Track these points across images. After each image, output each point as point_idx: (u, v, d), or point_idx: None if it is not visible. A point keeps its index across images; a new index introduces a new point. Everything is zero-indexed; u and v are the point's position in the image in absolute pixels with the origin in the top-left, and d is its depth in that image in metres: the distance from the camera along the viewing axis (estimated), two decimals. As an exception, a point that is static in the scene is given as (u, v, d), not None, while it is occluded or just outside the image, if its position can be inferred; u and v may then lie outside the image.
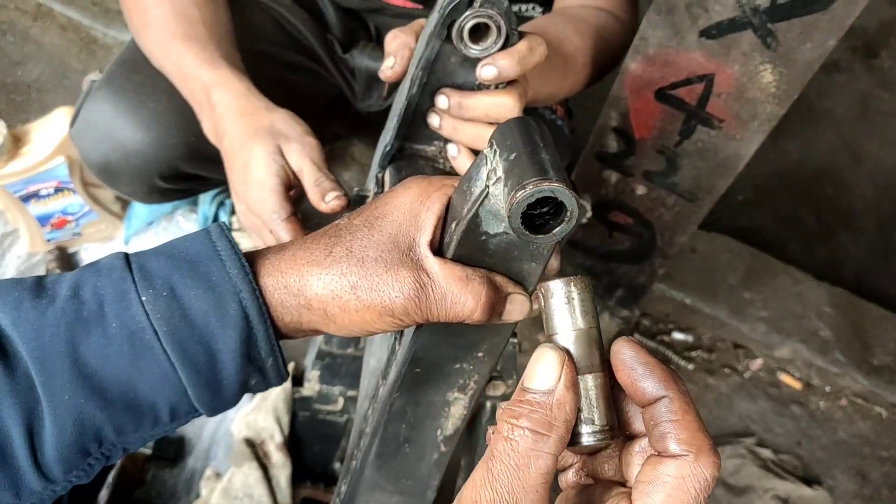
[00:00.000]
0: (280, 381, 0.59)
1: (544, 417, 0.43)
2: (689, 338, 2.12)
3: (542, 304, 0.49)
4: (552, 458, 0.43)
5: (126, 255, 0.54)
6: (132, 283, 0.52)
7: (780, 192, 2.61)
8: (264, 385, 0.58)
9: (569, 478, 0.52)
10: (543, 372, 0.45)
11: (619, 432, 0.47)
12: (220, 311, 0.52)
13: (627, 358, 0.45)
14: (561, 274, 0.54)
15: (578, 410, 0.46)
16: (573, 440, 0.46)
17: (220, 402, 0.55)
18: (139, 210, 1.83)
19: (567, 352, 0.46)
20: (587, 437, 0.46)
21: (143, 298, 0.51)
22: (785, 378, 2.08)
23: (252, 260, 0.56)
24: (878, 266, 2.45)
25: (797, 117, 2.61)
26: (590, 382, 0.46)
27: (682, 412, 0.43)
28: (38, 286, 0.52)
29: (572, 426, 0.44)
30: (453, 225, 0.55)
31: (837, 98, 2.84)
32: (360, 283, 0.54)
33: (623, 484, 0.48)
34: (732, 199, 2.46)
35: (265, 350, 0.55)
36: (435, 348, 0.64)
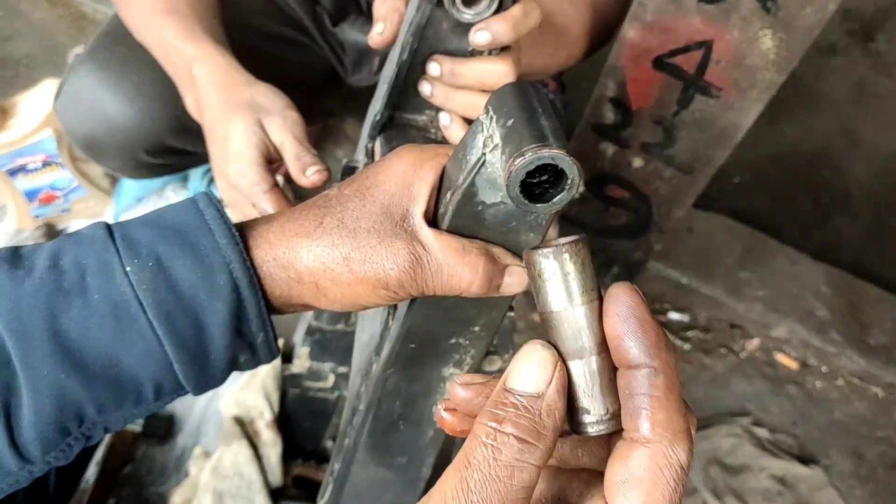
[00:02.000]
0: (270, 359, 0.57)
1: (532, 424, 0.37)
2: (686, 317, 2.11)
3: (530, 277, 0.42)
4: (537, 470, 0.37)
5: (108, 225, 0.52)
6: (115, 252, 0.50)
7: (777, 175, 2.60)
8: (254, 363, 0.57)
9: None
10: (533, 372, 0.38)
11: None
12: (209, 282, 0.50)
13: (623, 307, 0.38)
14: None
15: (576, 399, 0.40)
16: (574, 428, 0.41)
17: (208, 378, 0.54)
18: (129, 186, 1.80)
19: (559, 352, 0.40)
20: (590, 427, 0.40)
21: (128, 269, 0.49)
22: (781, 358, 2.07)
23: (239, 231, 0.54)
24: (874, 250, 2.44)
25: (794, 100, 2.60)
26: (593, 365, 0.40)
27: (665, 388, 0.37)
28: (14, 256, 0.50)
29: (558, 435, 0.39)
30: (448, 195, 0.53)
31: (834, 81, 2.82)
32: (352, 254, 0.53)
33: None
34: (729, 181, 2.45)
35: (256, 324, 0.53)
36: (430, 323, 0.63)
